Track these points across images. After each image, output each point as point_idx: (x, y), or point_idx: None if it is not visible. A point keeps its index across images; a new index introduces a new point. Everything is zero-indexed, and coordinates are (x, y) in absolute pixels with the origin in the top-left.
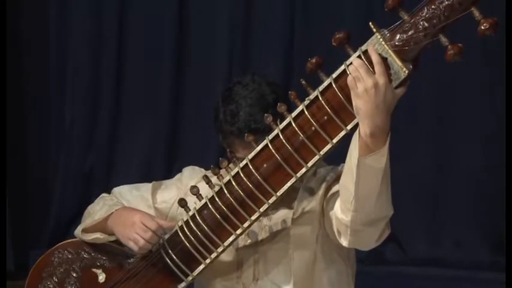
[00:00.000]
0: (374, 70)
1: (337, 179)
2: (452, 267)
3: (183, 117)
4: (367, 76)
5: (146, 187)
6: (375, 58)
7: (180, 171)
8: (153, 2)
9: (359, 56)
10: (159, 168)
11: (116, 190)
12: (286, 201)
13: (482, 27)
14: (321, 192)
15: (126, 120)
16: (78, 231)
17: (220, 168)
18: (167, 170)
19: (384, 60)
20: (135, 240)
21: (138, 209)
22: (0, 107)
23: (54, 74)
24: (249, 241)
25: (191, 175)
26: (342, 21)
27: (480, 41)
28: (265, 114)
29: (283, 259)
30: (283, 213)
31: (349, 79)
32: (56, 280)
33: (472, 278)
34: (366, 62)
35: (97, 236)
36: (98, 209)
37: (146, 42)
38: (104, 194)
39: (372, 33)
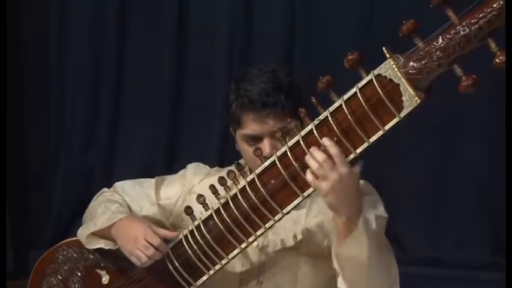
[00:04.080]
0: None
1: None
2: (452, 267)
3: (183, 117)
4: (331, 172)
5: (149, 183)
6: (333, 150)
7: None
8: (153, 2)
9: (370, 81)
10: (159, 168)
11: (118, 185)
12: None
13: (498, 60)
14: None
15: (126, 120)
16: (81, 235)
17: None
18: (167, 170)
19: (396, 86)
20: (137, 256)
21: (142, 221)
22: (1, 106)
23: (54, 74)
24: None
25: (195, 172)
26: (343, 22)
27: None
28: (288, 120)
29: (289, 267)
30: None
31: (310, 179)
32: (60, 278)
33: (472, 278)
34: (378, 88)
35: (101, 246)
36: (100, 212)
37: (146, 42)
38: (104, 189)
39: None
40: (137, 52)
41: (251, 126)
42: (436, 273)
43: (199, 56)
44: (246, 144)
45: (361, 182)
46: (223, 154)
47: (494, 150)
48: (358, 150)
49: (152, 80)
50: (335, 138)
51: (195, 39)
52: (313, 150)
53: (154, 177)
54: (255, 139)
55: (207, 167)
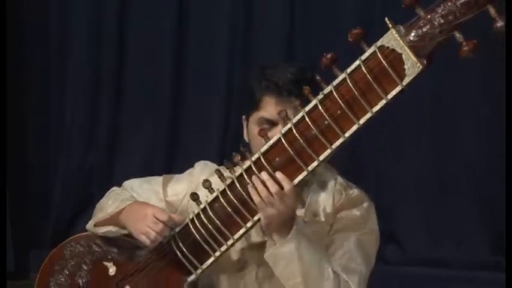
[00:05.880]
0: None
1: (344, 207)
2: (452, 267)
3: (183, 116)
4: (280, 203)
5: (157, 180)
6: (287, 185)
7: (180, 170)
8: (153, 2)
9: (373, 53)
10: (159, 168)
11: (127, 184)
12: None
13: (498, 25)
14: (328, 210)
15: (126, 119)
16: (90, 225)
17: (234, 164)
18: (168, 170)
19: (399, 55)
20: (146, 233)
21: (150, 203)
22: (1, 106)
23: (54, 74)
24: (252, 239)
25: (203, 170)
26: (342, 22)
27: (480, 35)
28: (304, 87)
29: None
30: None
31: (258, 201)
32: (67, 273)
33: (472, 278)
34: (381, 58)
35: (109, 229)
36: (110, 204)
37: (146, 42)
38: (114, 188)
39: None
40: (137, 52)
41: (270, 110)
42: (436, 273)
43: (199, 56)
44: (259, 128)
45: (356, 191)
46: (223, 154)
47: (495, 149)
48: (361, 121)
49: (152, 80)
50: (339, 111)
51: (195, 39)
52: (268, 180)
53: (161, 176)
54: (269, 124)
55: (215, 165)
